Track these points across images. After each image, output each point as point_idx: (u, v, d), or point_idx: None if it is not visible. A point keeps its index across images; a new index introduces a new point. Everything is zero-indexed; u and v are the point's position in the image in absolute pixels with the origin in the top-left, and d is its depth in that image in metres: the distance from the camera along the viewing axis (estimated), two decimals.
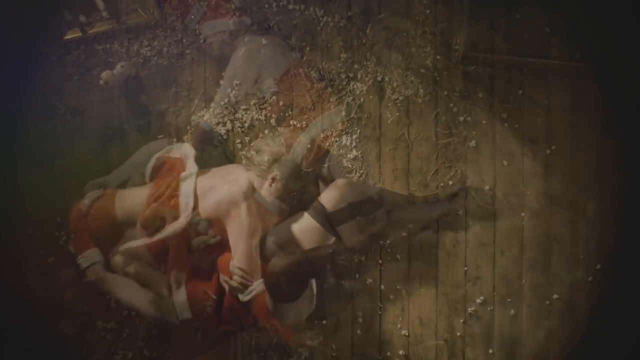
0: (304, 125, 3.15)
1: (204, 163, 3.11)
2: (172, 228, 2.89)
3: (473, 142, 3.17)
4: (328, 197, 2.97)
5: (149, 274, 2.97)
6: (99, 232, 2.95)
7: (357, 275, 3.16)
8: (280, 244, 2.95)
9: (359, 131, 3.17)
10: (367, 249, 3.12)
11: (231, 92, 3.12)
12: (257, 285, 2.87)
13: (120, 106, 3.25)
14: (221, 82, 3.15)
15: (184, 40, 3.24)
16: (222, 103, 3.14)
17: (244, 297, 2.89)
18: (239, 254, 2.88)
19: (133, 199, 2.99)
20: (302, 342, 3.11)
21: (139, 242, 2.93)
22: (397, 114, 3.19)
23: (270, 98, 3.16)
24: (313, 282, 2.97)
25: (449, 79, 3.19)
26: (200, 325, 3.04)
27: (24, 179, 3.20)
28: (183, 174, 2.99)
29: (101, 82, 3.10)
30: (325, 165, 3.12)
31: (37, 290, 3.12)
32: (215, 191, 2.95)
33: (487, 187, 3.15)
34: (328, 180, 3.09)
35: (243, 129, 3.18)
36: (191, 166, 3.02)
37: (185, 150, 3.10)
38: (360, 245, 2.99)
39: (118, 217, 2.95)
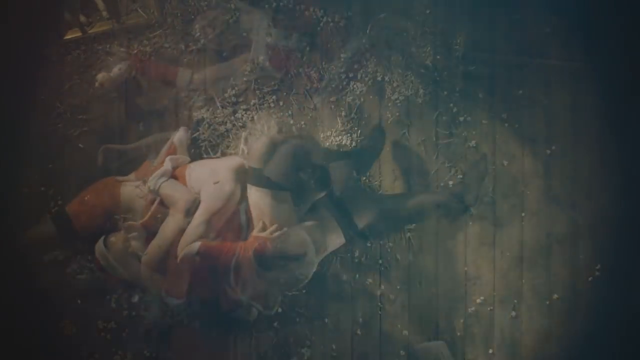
0: (303, 126, 3.15)
1: None
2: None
3: (473, 142, 3.17)
4: None
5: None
6: (100, 214, 2.96)
7: (357, 276, 3.16)
8: None
9: (359, 131, 3.18)
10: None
11: None
12: None
13: (120, 106, 3.25)
14: None
15: (184, 40, 3.24)
16: None
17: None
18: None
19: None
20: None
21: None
22: (397, 114, 3.19)
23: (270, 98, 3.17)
24: (312, 251, 2.79)
25: (449, 79, 3.19)
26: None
27: (24, 179, 3.20)
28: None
29: (97, 84, 3.10)
30: None
31: (36, 289, 3.12)
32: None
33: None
34: None
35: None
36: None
37: (180, 136, 3.11)
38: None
39: (122, 200, 2.96)
